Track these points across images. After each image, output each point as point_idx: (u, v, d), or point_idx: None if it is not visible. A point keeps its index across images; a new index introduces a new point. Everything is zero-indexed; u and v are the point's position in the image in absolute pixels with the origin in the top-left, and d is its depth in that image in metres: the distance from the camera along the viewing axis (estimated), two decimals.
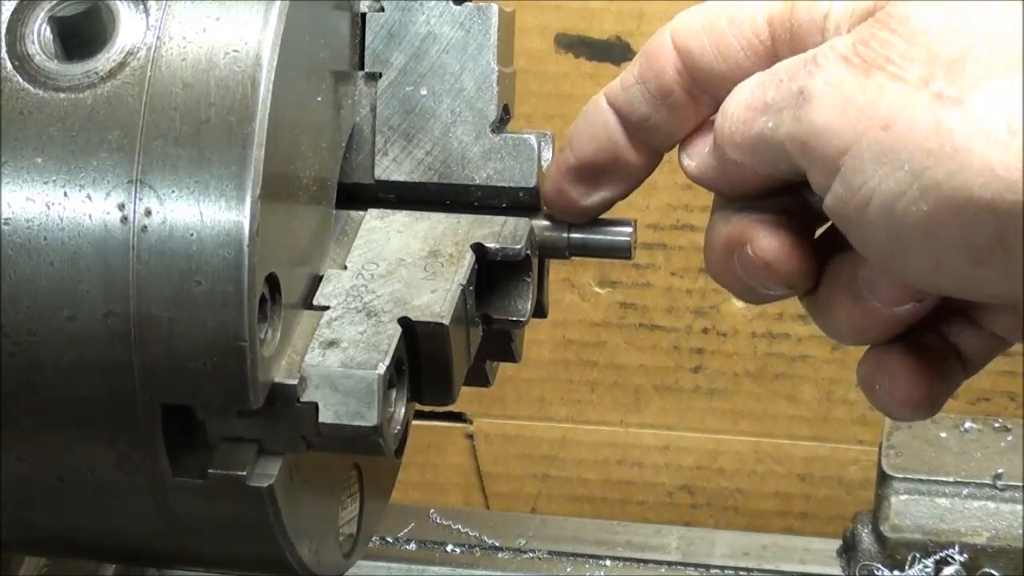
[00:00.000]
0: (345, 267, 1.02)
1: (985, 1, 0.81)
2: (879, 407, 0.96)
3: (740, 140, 0.90)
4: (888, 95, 0.81)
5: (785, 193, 0.93)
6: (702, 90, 0.94)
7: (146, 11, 0.94)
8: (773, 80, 0.88)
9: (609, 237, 1.08)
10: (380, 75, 1.07)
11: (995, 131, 0.78)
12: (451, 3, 1.07)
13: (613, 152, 0.99)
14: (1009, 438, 1.48)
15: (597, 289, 1.92)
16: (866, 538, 1.42)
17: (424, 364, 1.00)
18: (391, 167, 1.07)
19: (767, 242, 0.93)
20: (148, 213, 0.90)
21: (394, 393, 0.98)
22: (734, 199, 0.96)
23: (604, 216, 1.07)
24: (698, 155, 0.95)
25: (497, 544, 1.51)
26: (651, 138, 0.98)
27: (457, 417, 1.98)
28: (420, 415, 1.86)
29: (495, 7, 1.07)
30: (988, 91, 0.78)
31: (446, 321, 0.98)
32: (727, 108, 0.91)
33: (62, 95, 0.93)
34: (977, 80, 0.79)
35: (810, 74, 0.84)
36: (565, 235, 1.07)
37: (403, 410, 0.99)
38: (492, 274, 1.05)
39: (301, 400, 0.94)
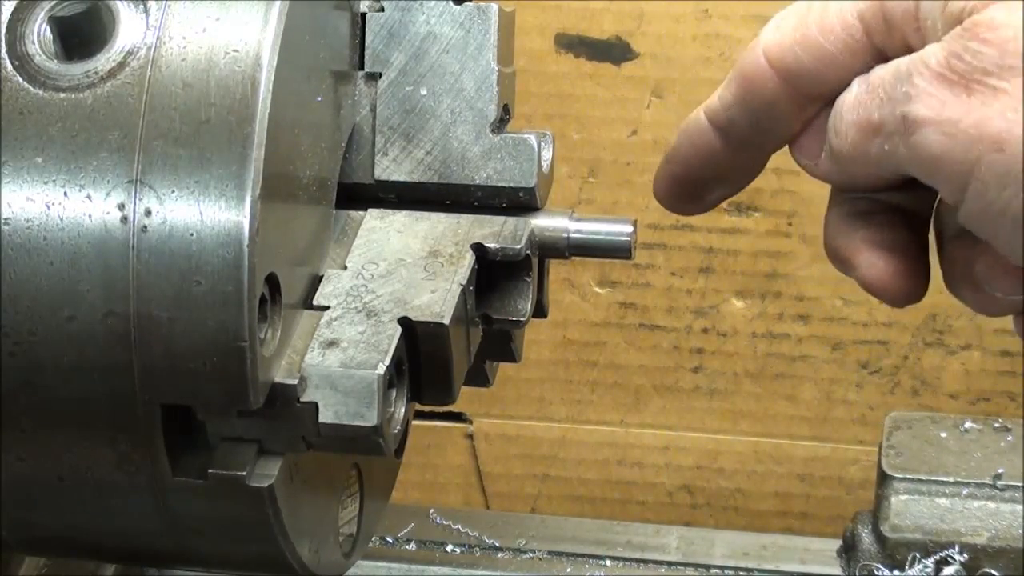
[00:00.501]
0: (345, 267, 1.02)
1: None
2: None
3: (859, 158, 0.90)
4: (994, 113, 0.81)
5: (906, 184, 0.92)
6: (807, 97, 0.93)
7: (146, 11, 0.94)
8: (874, 98, 0.87)
9: (609, 237, 1.08)
10: (380, 75, 1.07)
11: None
12: (451, 3, 1.07)
13: (721, 165, 0.99)
14: (1009, 438, 1.48)
15: (597, 289, 1.92)
16: (866, 538, 1.42)
17: (424, 364, 1.00)
18: (391, 167, 1.07)
19: (871, 272, 0.93)
20: (148, 213, 0.90)
21: (394, 393, 0.98)
22: (855, 190, 0.96)
23: (604, 216, 1.07)
24: (813, 155, 0.94)
25: (497, 544, 1.51)
26: (759, 146, 0.97)
27: (457, 417, 1.98)
28: (420, 415, 1.86)
29: (495, 7, 1.06)
30: None
31: (446, 321, 0.98)
32: (837, 126, 0.90)
33: (62, 95, 0.93)
34: None
35: (909, 98, 0.84)
36: (565, 235, 1.08)
37: (403, 410, 0.99)
38: (492, 274, 1.05)
39: (301, 400, 0.94)
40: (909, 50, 0.87)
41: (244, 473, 0.96)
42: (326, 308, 0.99)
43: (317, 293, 1.00)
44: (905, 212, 0.95)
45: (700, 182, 1.00)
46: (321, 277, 1.01)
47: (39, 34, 0.95)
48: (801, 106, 0.93)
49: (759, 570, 1.48)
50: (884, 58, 0.89)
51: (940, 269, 0.94)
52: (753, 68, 0.93)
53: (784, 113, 0.94)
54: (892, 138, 0.86)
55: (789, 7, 0.93)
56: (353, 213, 1.07)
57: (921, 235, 0.96)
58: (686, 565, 1.49)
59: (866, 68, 0.90)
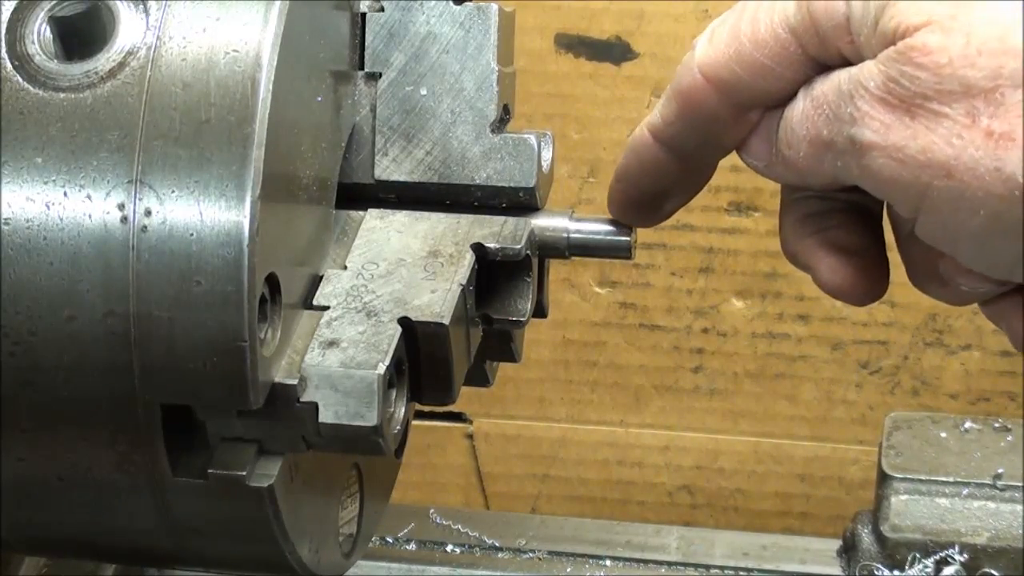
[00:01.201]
0: (345, 267, 1.02)
1: (996, 10, 0.80)
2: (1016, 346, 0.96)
3: (813, 169, 0.90)
4: (939, 139, 0.81)
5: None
6: (748, 107, 0.93)
7: (146, 11, 0.94)
8: (821, 114, 0.87)
9: (609, 237, 1.08)
10: (380, 75, 1.07)
11: None
12: (451, 3, 1.07)
13: (671, 178, 0.99)
14: (1009, 438, 1.48)
15: (597, 289, 1.92)
16: (866, 538, 1.42)
17: (424, 364, 1.00)
18: (391, 167, 1.07)
19: (829, 276, 0.94)
20: (148, 213, 0.90)
21: (394, 393, 0.98)
22: (808, 191, 0.96)
23: (604, 216, 1.07)
24: (762, 158, 0.94)
25: (497, 544, 1.51)
26: (706, 156, 0.98)
27: (457, 417, 1.98)
28: (420, 415, 1.86)
29: (495, 7, 1.06)
30: None
31: (446, 321, 0.98)
32: (788, 139, 0.91)
33: (62, 95, 0.93)
34: (1021, 106, 0.79)
35: (854, 120, 0.84)
36: (565, 235, 1.08)
37: (403, 410, 0.99)
38: (492, 274, 1.05)
39: (301, 400, 0.94)
40: (845, 61, 0.87)
41: (244, 473, 0.96)
42: (326, 308, 0.99)
43: (317, 293, 1.00)
44: (860, 209, 0.95)
45: (653, 196, 1.01)
46: (321, 277, 1.01)
47: (39, 34, 0.95)
48: (743, 115, 0.94)
49: (759, 570, 1.48)
50: (822, 66, 0.89)
51: (903, 265, 0.94)
52: (690, 85, 0.93)
53: (727, 124, 0.94)
54: (844, 156, 0.86)
55: (718, 19, 0.93)
56: (353, 213, 1.07)
57: (877, 232, 0.96)
58: (686, 565, 1.49)
59: (805, 76, 0.90)
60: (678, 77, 0.94)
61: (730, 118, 0.94)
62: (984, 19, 0.80)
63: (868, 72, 0.84)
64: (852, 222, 0.94)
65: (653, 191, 1.01)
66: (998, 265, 0.86)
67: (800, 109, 0.89)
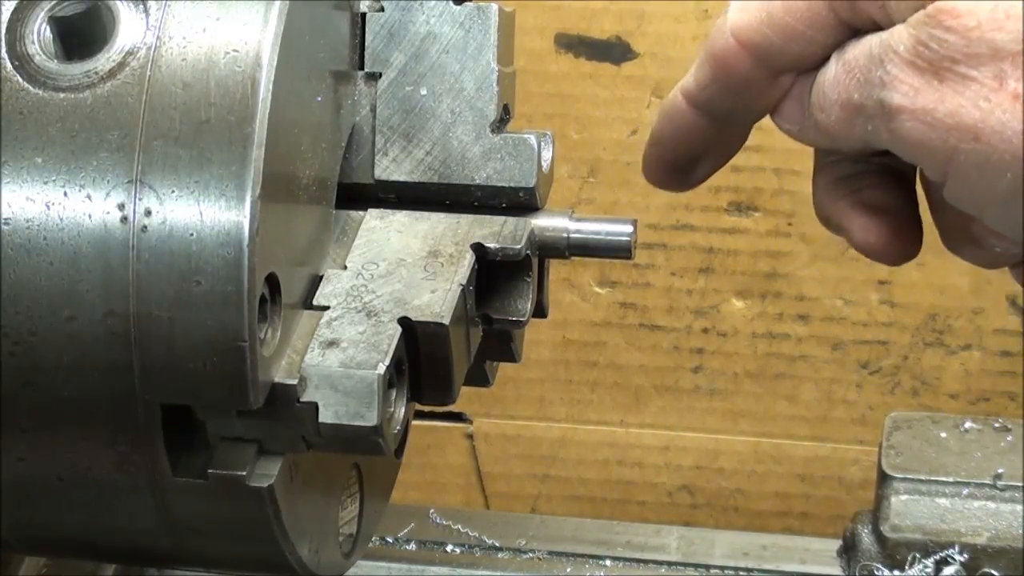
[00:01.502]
0: (345, 267, 1.02)
1: None
2: None
3: (844, 133, 0.90)
4: (967, 102, 0.81)
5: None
6: (782, 70, 0.93)
7: (146, 11, 0.94)
8: (852, 79, 0.88)
9: (609, 237, 1.08)
10: (380, 75, 1.07)
11: None
12: (451, 3, 1.07)
13: (706, 142, 0.99)
14: (1009, 438, 1.48)
15: (597, 289, 1.92)
16: (866, 538, 1.42)
17: (424, 364, 1.00)
18: (391, 167, 1.07)
19: (863, 236, 0.94)
20: (148, 213, 0.90)
21: (394, 393, 0.98)
22: (841, 155, 0.96)
23: (604, 216, 1.07)
24: (795, 121, 0.95)
25: (497, 544, 1.50)
26: (740, 119, 0.98)
27: (457, 417, 1.98)
28: (420, 415, 1.86)
29: (495, 7, 1.06)
30: None
31: (446, 321, 0.98)
32: (821, 103, 0.91)
33: (62, 95, 0.93)
34: None
35: (884, 84, 0.84)
36: (565, 235, 1.08)
37: (403, 410, 0.99)
38: (492, 274, 1.05)
39: (301, 400, 0.94)
40: (876, 26, 0.88)
41: (244, 473, 0.96)
42: (326, 308, 0.99)
43: (317, 293, 1.00)
44: (892, 171, 0.95)
45: (687, 160, 1.01)
46: (321, 277, 1.01)
47: (39, 34, 0.95)
48: (776, 79, 0.94)
49: (759, 570, 1.48)
50: (854, 30, 0.89)
51: (936, 229, 0.94)
52: (724, 49, 0.93)
53: (760, 88, 0.94)
54: (874, 120, 0.87)
55: None
56: (353, 213, 1.07)
57: (910, 193, 0.96)
58: (686, 565, 1.49)
59: (837, 41, 0.90)
60: (712, 40, 0.94)
61: (763, 82, 0.94)
62: None
63: (898, 36, 0.84)
64: (885, 183, 0.94)
65: (688, 155, 1.00)
66: None
67: (832, 73, 0.90)
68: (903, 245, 0.95)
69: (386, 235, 1.05)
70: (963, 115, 0.82)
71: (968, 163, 0.83)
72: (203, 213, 0.90)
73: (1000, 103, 0.81)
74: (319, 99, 1.00)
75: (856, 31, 0.89)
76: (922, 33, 0.83)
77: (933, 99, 0.83)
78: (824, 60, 0.91)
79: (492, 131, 1.06)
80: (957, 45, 0.82)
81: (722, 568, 1.49)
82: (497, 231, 1.04)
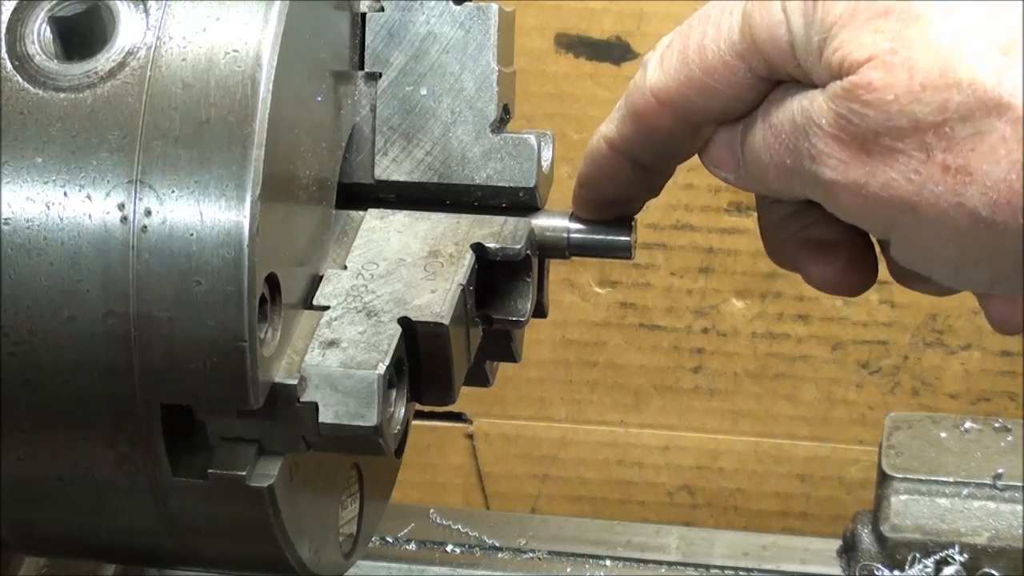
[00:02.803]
0: (345, 267, 1.02)
1: (935, 39, 0.79)
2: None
3: (785, 191, 0.90)
4: (898, 175, 0.81)
5: None
6: (704, 124, 0.94)
7: (146, 11, 0.94)
8: (781, 144, 0.87)
9: (609, 237, 1.08)
10: (380, 75, 1.07)
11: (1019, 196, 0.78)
12: (451, 3, 1.07)
13: (632, 184, 1.01)
14: (1009, 438, 1.48)
15: (597, 289, 1.92)
16: (866, 538, 1.42)
17: (424, 364, 1.00)
18: (391, 167, 1.07)
19: (818, 274, 0.94)
20: (148, 213, 0.90)
21: (394, 393, 0.98)
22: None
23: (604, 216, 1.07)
24: (730, 169, 0.94)
25: (497, 544, 1.50)
26: (664, 164, 0.98)
27: (457, 417, 1.98)
28: (420, 415, 1.86)
29: (495, 7, 1.06)
30: (987, 152, 0.78)
31: (446, 321, 0.98)
32: (755, 162, 0.91)
33: (62, 95, 0.93)
34: (972, 140, 0.78)
35: (813, 159, 0.84)
36: (565, 235, 1.08)
37: (403, 410, 0.99)
38: (492, 274, 1.05)
39: (301, 400, 0.94)
40: (795, 79, 0.87)
41: (244, 473, 0.96)
42: (326, 308, 0.99)
43: (317, 293, 1.00)
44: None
45: (615, 199, 1.03)
46: (321, 277, 1.01)
47: (39, 34, 0.95)
48: (698, 131, 0.94)
49: (759, 570, 1.48)
50: (773, 83, 0.89)
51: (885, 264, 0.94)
52: (644, 107, 0.94)
53: (683, 139, 0.95)
54: (811, 187, 0.87)
55: (663, 43, 0.93)
56: (353, 213, 1.07)
57: None
58: (686, 565, 1.49)
59: (758, 95, 0.90)
60: (631, 97, 0.95)
61: (686, 134, 0.95)
62: (925, 50, 0.79)
63: (819, 108, 0.83)
64: (830, 217, 0.94)
65: (615, 196, 1.02)
66: (976, 285, 0.87)
67: (760, 136, 0.90)
68: (859, 276, 0.95)
69: (386, 235, 1.05)
70: (896, 188, 0.81)
71: (910, 231, 0.82)
72: (203, 213, 0.90)
73: (931, 175, 0.80)
74: (319, 99, 1.00)
75: (777, 82, 0.89)
76: (841, 108, 0.82)
77: (863, 173, 0.82)
78: (747, 110, 0.91)
79: (492, 131, 1.06)
80: (878, 119, 0.80)
81: (722, 568, 1.49)
82: (497, 231, 1.04)
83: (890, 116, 0.80)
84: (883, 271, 0.95)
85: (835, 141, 0.83)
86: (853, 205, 0.84)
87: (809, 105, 0.84)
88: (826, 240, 0.94)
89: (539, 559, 1.49)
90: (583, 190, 1.03)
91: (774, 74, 0.88)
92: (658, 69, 0.92)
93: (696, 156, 0.98)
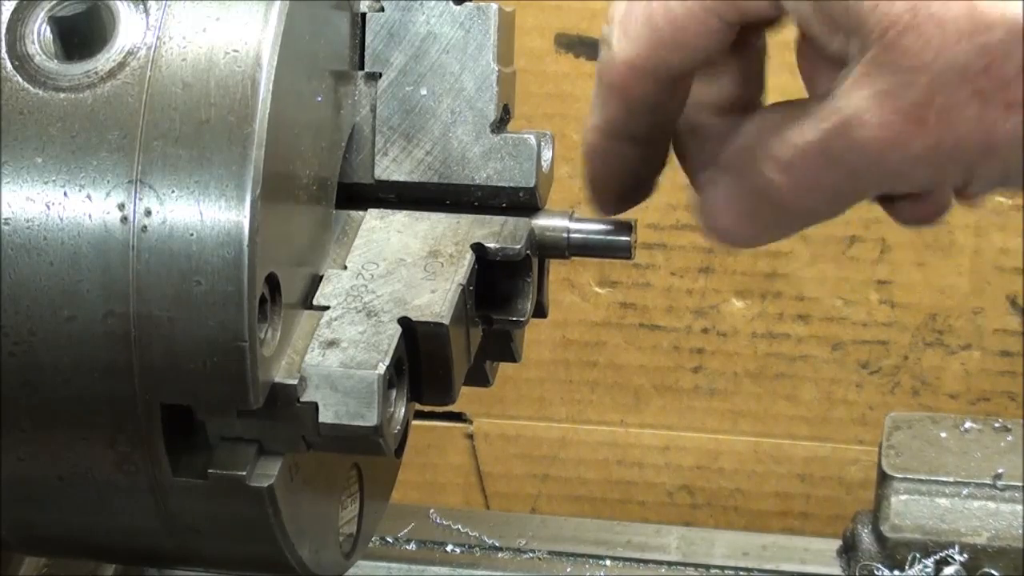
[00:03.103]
0: (345, 267, 1.02)
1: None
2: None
3: (839, 210, 0.90)
4: (964, 129, 0.81)
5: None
6: (685, 76, 0.93)
7: (146, 11, 0.94)
8: (816, 171, 0.86)
9: (609, 237, 1.08)
10: (380, 75, 1.07)
11: None
12: (451, 3, 1.07)
13: (640, 164, 0.99)
14: (1009, 438, 1.48)
15: (597, 289, 1.92)
16: (866, 538, 1.42)
17: (424, 364, 1.00)
18: (391, 167, 1.07)
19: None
20: (148, 213, 0.90)
21: (394, 393, 0.98)
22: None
23: (604, 216, 1.07)
24: (748, 230, 0.94)
25: (497, 544, 1.50)
26: (663, 130, 0.98)
27: (457, 417, 1.98)
28: (420, 415, 1.86)
29: (495, 7, 1.06)
30: None
31: (446, 321, 0.98)
32: (782, 206, 0.90)
33: (62, 95, 0.93)
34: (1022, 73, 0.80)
35: (870, 158, 0.83)
36: (565, 235, 1.08)
37: (403, 410, 0.99)
38: (492, 274, 1.05)
39: (301, 400, 0.94)
40: (765, 22, 0.88)
41: (244, 473, 0.96)
42: (326, 308, 0.99)
43: (317, 293, 1.00)
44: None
45: (629, 186, 1.01)
46: (321, 277, 1.01)
47: (39, 34, 0.95)
48: (680, 86, 0.94)
49: (759, 570, 1.48)
50: (742, 25, 0.89)
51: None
52: (622, 82, 0.93)
53: (667, 98, 0.94)
54: (873, 184, 0.87)
55: (618, 14, 0.92)
56: (353, 213, 1.07)
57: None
58: (686, 565, 1.49)
59: (729, 39, 0.89)
60: (605, 78, 0.94)
61: (668, 94, 0.94)
62: (944, 1, 0.80)
63: (857, 106, 0.83)
64: None
65: (627, 182, 1.01)
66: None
67: (779, 182, 0.88)
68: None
69: (386, 235, 1.05)
70: (967, 140, 0.81)
71: (991, 168, 0.83)
72: (203, 213, 0.90)
73: (997, 117, 0.80)
74: (319, 99, 1.00)
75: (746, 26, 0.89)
76: (881, 86, 0.81)
77: (928, 144, 0.82)
78: (722, 50, 0.90)
79: (492, 131, 1.06)
80: (923, 84, 0.80)
81: (722, 568, 1.49)
82: (497, 231, 1.04)
83: (934, 76, 0.80)
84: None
85: (887, 128, 0.82)
86: (927, 173, 0.84)
87: (839, 111, 0.84)
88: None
89: (539, 559, 1.49)
90: (595, 190, 1.02)
91: (745, 18, 0.88)
92: (624, 40, 0.92)
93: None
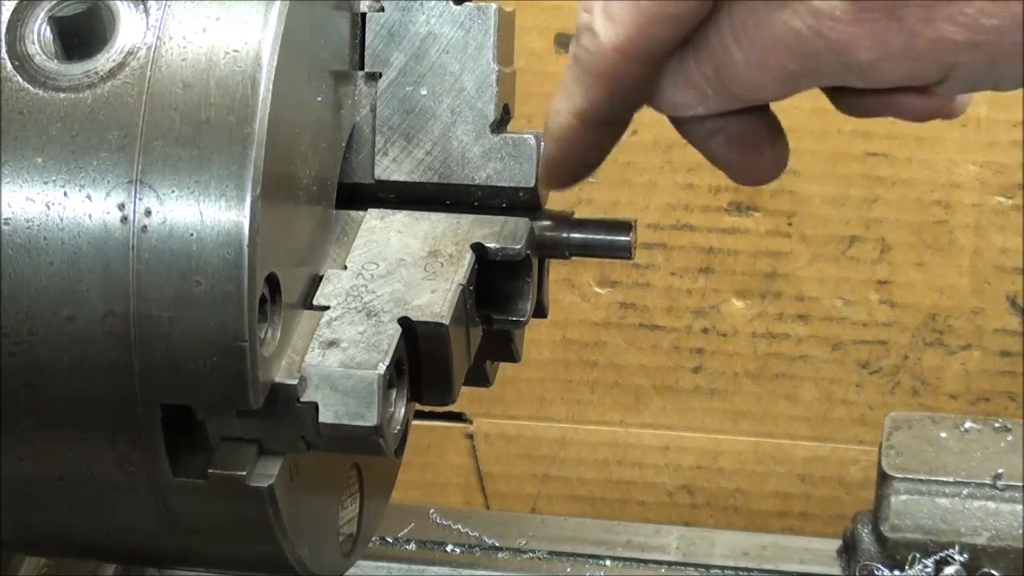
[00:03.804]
0: (345, 267, 1.02)
1: None
2: None
3: (789, 94, 0.89)
4: (945, 24, 0.80)
5: None
6: (666, 56, 0.92)
7: (146, 11, 0.94)
8: (781, 54, 0.86)
9: (609, 237, 1.08)
10: (380, 75, 1.07)
11: None
12: (451, 3, 1.07)
13: (604, 146, 0.99)
14: (1009, 438, 1.47)
15: (597, 289, 1.92)
16: (866, 538, 1.42)
17: (424, 364, 1.00)
18: (391, 167, 1.07)
19: (743, 164, 0.94)
20: (148, 213, 0.90)
21: (394, 393, 0.98)
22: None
23: (604, 216, 1.07)
24: (699, 101, 0.93)
25: (497, 544, 1.50)
26: (634, 108, 0.97)
27: (457, 417, 1.98)
28: (420, 415, 1.86)
29: (495, 7, 1.07)
30: None
31: (446, 321, 0.98)
32: (741, 82, 0.89)
33: (62, 95, 0.93)
34: None
35: (839, 52, 0.83)
36: (565, 235, 1.08)
37: (403, 410, 0.99)
38: (492, 274, 1.05)
39: (301, 400, 0.94)
40: None
41: (244, 473, 0.96)
42: (326, 308, 0.99)
43: (317, 293, 1.00)
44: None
45: (595, 163, 1.00)
46: (321, 277, 1.01)
47: (39, 34, 0.95)
48: (663, 63, 0.93)
49: (759, 570, 1.48)
50: None
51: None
52: (612, 67, 0.92)
53: (652, 77, 0.93)
54: (837, 75, 0.85)
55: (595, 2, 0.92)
56: (353, 213, 1.07)
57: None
58: (686, 565, 1.49)
59: (708, 5, 0.88)
60: (592, 65, 0.93)
61: (654, 73, 0.93)
62: None
63: (828, 3, 0.82)
64: (748, 112, 0.93)
65: (592, 162, 1.00)
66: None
67: (743, 57, 0.87)
68: (776, 160, 0.94)
69: (386, 235, 1.05)
70: (948, 35, 0.80)
71: (973, 65, 0.81)
72: (203, 213, 0.90)
73: (981, 9, 0.79)
74: (319, 99, 1.00)
75: None
76: None
77: (904, 40, 0.81)
78: (698, 25, 0.89)
79: (492, 131, 1.06)
80: None
81: (722, 568, 1.49)
82: (497, 231, 1.04)
83: None
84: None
85: (860, 24, 0.81)
86: (898, 70, 0.83)
87: (812, 4, 0.83)
88: (746, 131, 0.94)
89: (539, 559, 1.49)
90: (555, 169, 0.99)
91: None
92: (609, 25, 0.92)
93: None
